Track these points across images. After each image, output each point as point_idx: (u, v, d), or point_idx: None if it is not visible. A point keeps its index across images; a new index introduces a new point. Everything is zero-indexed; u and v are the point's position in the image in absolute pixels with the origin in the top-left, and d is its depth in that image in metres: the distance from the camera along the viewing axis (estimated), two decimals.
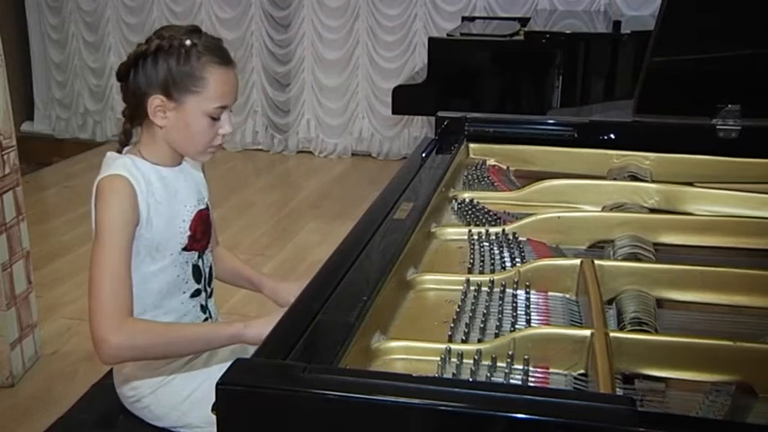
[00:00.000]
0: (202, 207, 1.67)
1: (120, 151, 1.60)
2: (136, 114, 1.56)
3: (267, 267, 3.68)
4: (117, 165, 1.54)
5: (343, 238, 1.52)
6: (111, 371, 1.82)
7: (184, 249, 1.62)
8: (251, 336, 1.46)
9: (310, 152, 5.64)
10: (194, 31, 1.54)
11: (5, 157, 2.66)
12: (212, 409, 1.00)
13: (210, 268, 1.71)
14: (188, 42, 1.49)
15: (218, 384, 0.99)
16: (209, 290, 1.71)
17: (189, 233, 1.62)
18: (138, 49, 1.51)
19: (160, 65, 1.49)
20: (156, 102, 1.51)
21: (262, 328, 1.41)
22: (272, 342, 1.14)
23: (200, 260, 1.66)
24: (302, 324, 1.17)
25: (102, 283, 1.44)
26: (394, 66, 5.34)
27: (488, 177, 2.04)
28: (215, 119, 1.54)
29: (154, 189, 1.55)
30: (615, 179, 2.00)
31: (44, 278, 3.44)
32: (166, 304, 1.61)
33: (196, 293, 1.66)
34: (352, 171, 5.32)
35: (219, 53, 1.53)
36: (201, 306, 1.69)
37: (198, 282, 1.66)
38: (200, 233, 1.65)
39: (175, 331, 1.52)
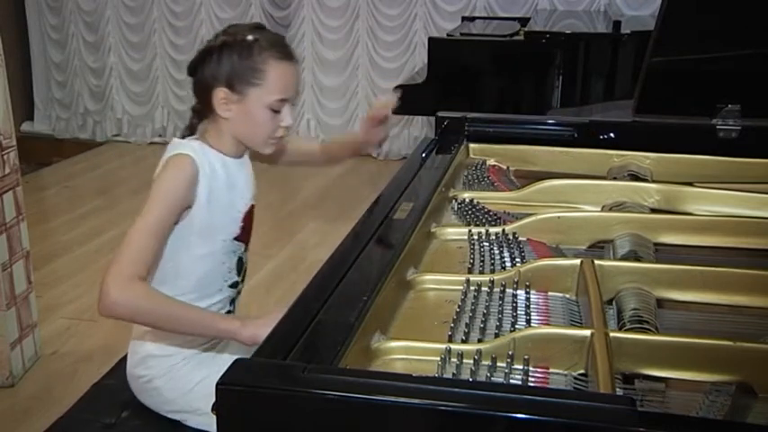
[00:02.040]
0: (253, 202, 1.73)
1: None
2: (203, 107, 1.63)
3: (267, 267, 3.68)
4: (185, 146, 1.61)
5: (343, 238, 1.53)
6: (111, 370, 1.82)
7: (235, 239, 1.68)
8: (246, 335, 1.49)
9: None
10: (258, 27, 1.62)
11: (5, 157, 2.66)
12: (212, 409, 1.00)
13: (247, 266, 1.76)
14: (250, 38, 1.57)
15: (218, 384, 0.99)
16: (241, 286, 1.76)
17: (241, 224, 1.68)
18: (205, 45, 1.60)
19: (224, 59, 1.56)
20: (220, 94, 1.58)
21: (258, 329, 1.45)
22: (272, 342, 1.14)
23: (244, 254, 1.73)
24: (302, 324, 1.17)
25: (130, 242, 1.49)
26: (394, 66, 5.34)
27: (488, 177, 2.04)
28: (276, 111, 1.60)
29: (217, 175, 1.62)
30: (615, 179, 2.00)
31: (44, 278, 3.44)
32: (205, 290, 1.65)
33: (233, 285, 1.72)
34: (352, 171, 5.32)
35: (280, 48, 1.59)
36: (231, 300, 1.73)
37: (238, 274, 1.72)
38: (249, 227, 1.72)
39: (174, 309, 1.54)
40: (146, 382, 1.67)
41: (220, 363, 1.60)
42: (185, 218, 1.59)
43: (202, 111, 1.65)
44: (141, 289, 1.49)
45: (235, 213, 1.67)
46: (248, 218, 1.71)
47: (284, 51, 1.60)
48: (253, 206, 1.73)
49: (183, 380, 1.64)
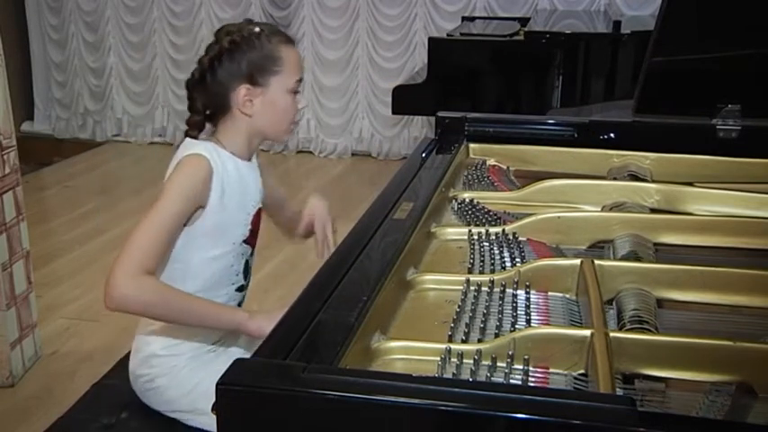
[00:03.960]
0: (260, 206, 1.73)
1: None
2: (218, 110, 1.63)
3: (267, 267, 3.68)
4: (200, 147, 1.61)
5: (344, 238, 1.53)
6: (111, 370, 1.82)
7: (244, 242, 1.68)
8: (253, 328, 1.53)
9: (310, 152, 5.64)
10: (252, 21, 1.65)
11: (5, 157, 2.66)
12: (212, 409, 1.00)
13: (252, 269, 1.77)
14: (257, 30, 1.60)
15: (218, 384, 0.99)
16: (246, 291, 1.77)
17: (250, 227, 1.69)
18: (210, 53, 1.59)
19: (239, 57, 1.58)
20: (242, 92, 1.59)
21: (264, 321, 1.47)
22: (272, 342, 1.14)
23: (251, 257, 1.73)
24: (302, 324, 1.17)
25: (140, 235, 1.50)
26: (394, 66, 5.34)
27: (488, 177, 2.04)
28: (296, 93, 1.64)
29: (230, 177, 1.62)
30: (615, 179, 1.99)
31: (44, 278, 3.44)
32: (212, 292, 1.66)
33: (240, 289, 1.72)
34: (352, 171, 5.32)
35: (283, 33, 1.64)
36: (238, 303, 1.74)
37: (245, 278, 1.72)
38: (257, 230, 1.72)
39: (183, 301, 1.55)
40: (147, 382, 1.67)
41: (223, 363, 1.61)
42: (198, 218, 1.59)
43: (216, 114, 1.64)
44: (150, 282, 1.49)
45: (244, 216, 1.68)
46: (256, 220, 1.71)
47: (287, 35, 1.65)
48: (260, 209, 1.73)
49: (185, 380, 1.65)
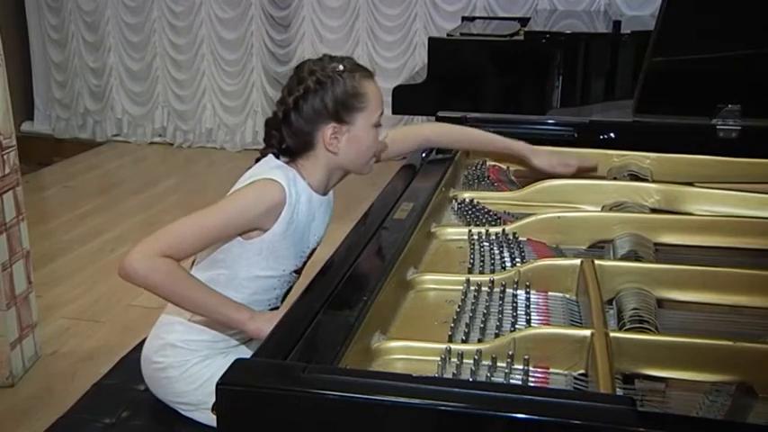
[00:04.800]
0: (320, 242, 1.73)
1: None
2: (302, 147, 1.62)
3: None
4: (280, 173, 1.59)
5: (343, 238, 1.53)
6: (111, 370, 1.82)
7: (294, 272, 1.68)
8: (252, 329, 1.53)
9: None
10: (330, 57, 1.63)
11: (5, 157, 2.66)
12: (212, 409, 1.00)
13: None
14: (340, 67, 1.59)
15: (218, 384, 0.99)
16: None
17: (305, 260, 1.69)
18: (295, 93, 1.58)
19: (325, 95, 1.57)
20: (329, 131, 1.59)
21: (264, 324, 1.48)
22: (272, 342, 1.14)
23: (293, 285, 1.72)
24: (302, 324, 1.17)
25: (179, 223, 1.52)
26: (394, 66, 5.34)
27: (488, 177, 2.04)
28: (378, 126, 1.65)
29: (301, 209, 1.61)
30: (615, 179, 1.99)
31: (44, 278, 3.44)
32: (250, 305, 1.64)
33: (273, 308, 1.71)
34: None
35: (362, 68, 1.64)
36: None
37: (282, 301, 1.72)
38: (307, 262, 1.71)
39: (192, 289, 1.55)
40: (158, 370, 1.66)
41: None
42: (256, 237, 1.58)
43: (299, 151, 1.63)
44: (166, 264, 1.49)
45: (303, 248, 1.67)
46: (311, 254, 1.71)
47: (366, 69, 1.64)
48: (319, 244, 1.72)
49: (196, 374, 1.64)
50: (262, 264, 1.61)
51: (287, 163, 1.64)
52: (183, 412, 1.66)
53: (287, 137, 1.62)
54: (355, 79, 1.59)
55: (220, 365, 1.62)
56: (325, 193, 1.69)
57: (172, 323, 1.67)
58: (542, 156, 2.01)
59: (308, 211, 1.63)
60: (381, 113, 1.64)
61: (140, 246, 1.48)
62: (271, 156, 1.64)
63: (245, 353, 1.68)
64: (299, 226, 1.62)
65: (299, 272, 1.70)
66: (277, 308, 1.71)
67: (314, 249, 1.72)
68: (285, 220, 1.58)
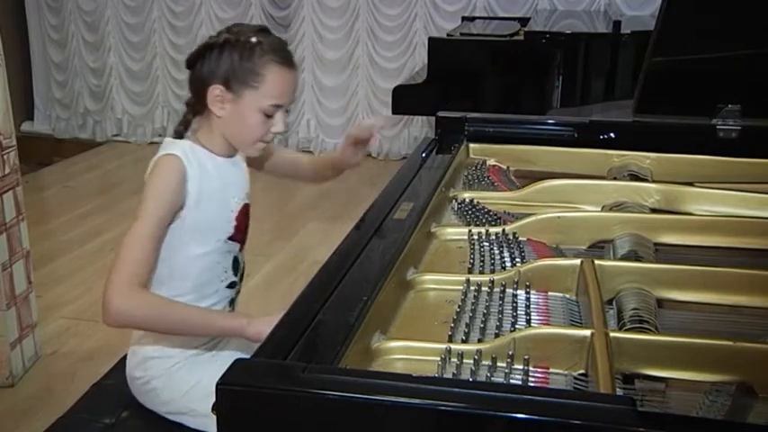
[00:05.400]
0: (247, 201, 1.73)
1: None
2: (197, 102, 1.63)
3: (267, 267, 3.68)
4: (175, 146, 1.61)
5: (343, 238, 1.52)
6: (111, 370, 1.82)
7: (229, 239, 1.68)
8: (252, 333, 1.51)
9: (310, 152, 5.63)
10: (262, 30, 1.61)
11: (5, 157, 2.66)
12: (212, 409, 1.00)
13: (244, 266, 1.76)
14: (254, 39, 1.57)
15: (218, 384, 0.99)
16: (239, 286, 1.76)
17: (234, 224, 1.68)
18: (207, 41, 1.60)
19: (225, 57, 1.56)
20: (215, 91, 1.58)
21: (263, 326, 1.45)
22: (272, 342, 1.14)
23: (240, 253, 1.73)
24: (302, 324, 1.17)
25: (127, 249, 1.50)
26: (394, 66, 5.34)
27: (488, 177, 2.04)
28: (269, 116, 1.60)
29: (209, 175, 1.62)
30: (615, 179, 1.99)
31: (44, 278, 3.44)
32: (204, 291, 1.66)
33: (231, 285, 1.72)
34: (351, 171, 5.29)
35: (282, 54, 1.59)
36: (231, 300, 1.74)
37: (235, 274, 1.72)
38: (243, 226, 1.71)
39: (177, 312, 1.55)
40: (144, 384, 1.67)
41: (217, 364, 1.62)
42: (178, 218, 1.59)
43: (196, 106, 1.65)
44: (144, 297, 1.50)
45: (227, 213, 1.67)
46: (242, 217, 1.70)
47: (285, 57, 1.59)
48: (247, 205, 1.72)
49: (181, 381, 1.65)
50: (193, 242, 1.61)
51: (187, 137, 1.66)
52: (174, 420, 1.66)
53: (189, 84, 1.64)
54: (261, 59, 1.56)
55: (205, 370, 1.63)
56: (232, 155, 1.69)
57: (140, 337, 1.68)
58: (346, 149, 1.93)
59: (217, 175, 1.63)
60: (279, 106, 1.60)
61: (111, 290, 1.46)
62: (166, 138, 1.66)
63: (230, 354, 1.68)
64: (212, 191, 1.62)
65: (234, 239, 1.69)
66: (233, 282, 1.71)
67: (245, 213, 1.71)
68: (194, 187, 1.58)
